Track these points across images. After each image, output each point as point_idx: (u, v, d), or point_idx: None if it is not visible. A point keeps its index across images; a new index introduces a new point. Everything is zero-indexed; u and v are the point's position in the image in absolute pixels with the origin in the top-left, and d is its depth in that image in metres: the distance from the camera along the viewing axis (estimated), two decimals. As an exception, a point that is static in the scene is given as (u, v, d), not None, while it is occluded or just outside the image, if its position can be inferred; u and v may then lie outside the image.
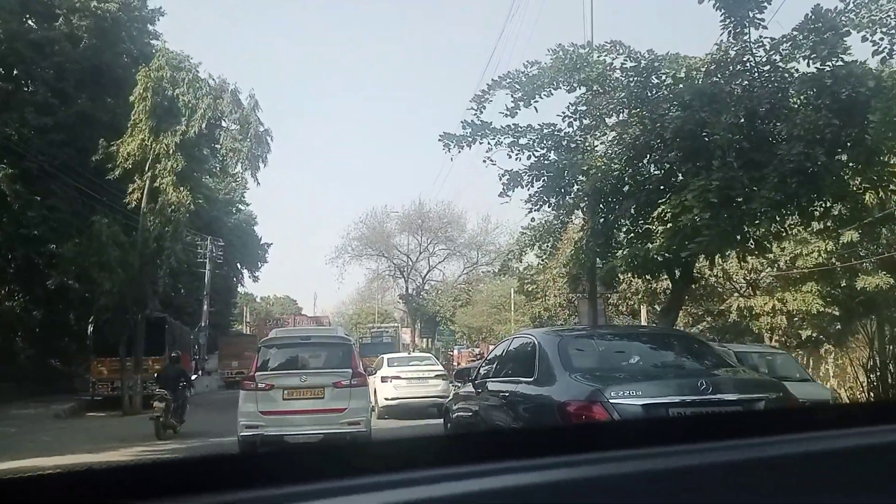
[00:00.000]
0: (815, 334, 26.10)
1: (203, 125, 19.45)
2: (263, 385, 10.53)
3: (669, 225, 10.81)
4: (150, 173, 19.56)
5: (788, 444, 1.13)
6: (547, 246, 14.28)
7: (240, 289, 62.04)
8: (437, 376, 17.46)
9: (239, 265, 59.48)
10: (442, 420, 10.09)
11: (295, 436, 10.15)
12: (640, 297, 26.06)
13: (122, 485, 0.86)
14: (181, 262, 28.82)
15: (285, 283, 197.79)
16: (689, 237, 9.25)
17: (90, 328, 21.91)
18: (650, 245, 11.15)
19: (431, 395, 16.34)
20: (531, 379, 6.37)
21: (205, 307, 40.71)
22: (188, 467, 0.92)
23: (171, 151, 19.34)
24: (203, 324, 40.54)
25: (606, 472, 0.97)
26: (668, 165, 10.66)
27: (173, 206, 19.19)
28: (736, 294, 29.70)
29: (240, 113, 20.06)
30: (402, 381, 16.85)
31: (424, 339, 47.82)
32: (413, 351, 50.48)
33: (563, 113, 11.77)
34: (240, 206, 60.72)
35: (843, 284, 26.05)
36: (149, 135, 19.50)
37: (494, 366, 7.83)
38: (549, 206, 12.82)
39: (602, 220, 12.74)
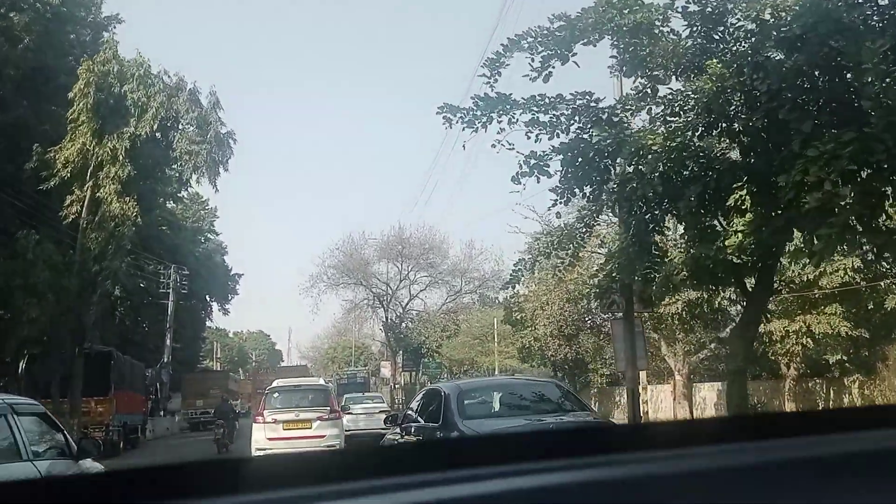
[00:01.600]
0: (843, 358, 23.68)
1: (155, 126, 16.64)
2: (270, 420, 14.67)
3: (748, 217, 8.22)
4: (91, 182, 16.64)
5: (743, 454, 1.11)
6: (566, 253, 11.63)
7: (209, 323, 58.54)
8: (381, 412, 20.84)
9: (208, 297, 56.08)
10: None
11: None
12: (680, 317, 23.15)
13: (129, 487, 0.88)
14: (126, 288, 25.91)
15: (257, 316, 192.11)
16: (803, 224, 6.63)
17: (22, 364, 18.84)
18: (723, 243, 8.56)
19: (376, 427, 18.90)
20: (438, 424, 7.91)
21: (167, 342, 37.38)
22: (171, 473, 0.93)
23: (117, 156, 16.43)
24: (165, 360, 37.16)
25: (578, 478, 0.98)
26: (749, 139, 8.09)
27: (117, 220, 16.23)
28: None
29: (198, 112, 17.30)
30: (358, 417, 22.27)
31: (406, 373, 44.90)
32: (395, 386, 48.18)
33: (612, 69, 9.18)
34: (209, 234, 57.55)
35: (871, 306, 23.77)
36: (91, 138, 16.64)
37: (415, 412, 9.34)
38: (582, 197, 10.17)
39: (647, 216, 10.12)
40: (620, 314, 11.33)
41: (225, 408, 21.35)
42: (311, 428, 14.72)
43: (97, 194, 16.49)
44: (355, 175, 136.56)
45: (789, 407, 25.09)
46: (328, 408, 15.30)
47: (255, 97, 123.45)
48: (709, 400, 34.06)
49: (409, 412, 9.72)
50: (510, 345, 51.54)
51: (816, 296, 23.00)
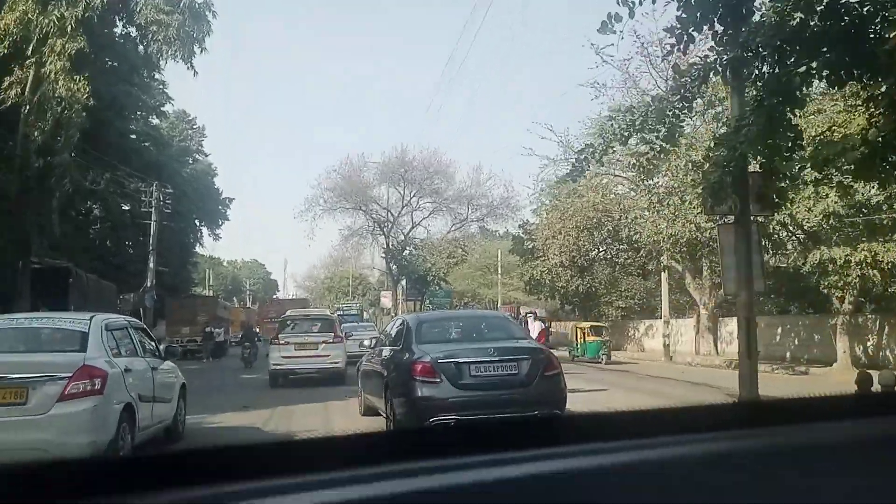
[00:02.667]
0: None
1: (113, -10, 13.33)
2: (284, 342, 17.36)
3: None
4: (34, 59, 13.38)
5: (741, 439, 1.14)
6: (656, 136, 8.60)
7: (199, 249, 55.65)
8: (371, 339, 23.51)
9: (197, 221, 53.05)
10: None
11: (300, 370, 17.16)
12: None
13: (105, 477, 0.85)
14: (106, 206, 23.15)
15: (250, 243, 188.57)
16: None
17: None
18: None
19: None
20: (399, 347, 9.70)
21: (150, 265, 34.47)
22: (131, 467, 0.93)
23: (65, 27, 13.12)
24: (148, 284, 34.33)
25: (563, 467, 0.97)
26: None
27: (63, 103, 13.02)
28: (797, 244, 24.53)
29: (167, -27, 13.94)
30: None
31: (411, 303, 42.36)
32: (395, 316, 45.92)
33: None
34: (197, 155, 54.07)
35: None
36: (34, 4, 13.28)
37: (386, 336, 11.30)
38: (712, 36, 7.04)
39: (785, 77, 7.11)
40: (731, 216, 8.34)
41: (250, 333, 26.44)
42: (318, 349, 17.34)
43: (41, 72, 13.24)
44: (357, 96, 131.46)
45: (840, 342, 22.51)
46: (332, 333, 17.91)
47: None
48: (736, 335, 31.51)
49: (382, 337, 11.60)
50: (516, 277, 48.85)
51: (884, 221, 20.17)
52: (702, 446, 1.08)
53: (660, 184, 25.52)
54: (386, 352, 10.22)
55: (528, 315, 15.82)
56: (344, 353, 17.79)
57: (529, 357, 8.95)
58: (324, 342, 17.50)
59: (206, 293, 76.01)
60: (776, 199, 8.14)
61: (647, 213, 27.50)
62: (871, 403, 1.37)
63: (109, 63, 26.27)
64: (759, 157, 8.03)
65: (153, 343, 9.51)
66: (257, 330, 28.87)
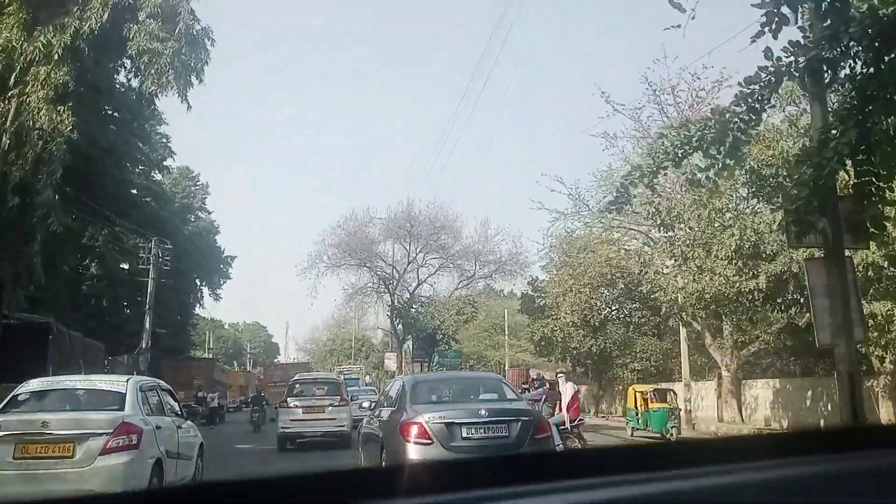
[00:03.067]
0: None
1: (105, 16, 12.30)
2: (292, 405, 18.06)
3: None
4: (16, 90, 12.31)
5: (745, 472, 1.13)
6: (718, 149, 7.33)
7: (199, 310, 54.22)
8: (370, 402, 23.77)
9: (198, 281, 51.79)
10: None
11: (308, 433, 17.77)
12: None
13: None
14: (104, 263, 22.07)
15: (253, 307, 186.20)
16: None
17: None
18: None
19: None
20: (395, 407, 9.73)
21: (146, 325, 33.02)
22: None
23: (52, 54, 12.10)
24: (143, 345, 32.81)
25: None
26: None
27: (45, 135, 11.88)
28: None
29: (163, 0, 12.96)
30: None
31: (417, 364, 40.63)
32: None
33: None
34: (199, 213, 53.21)
35: None
36: (18, 31, 12.30)
37: (384, 397, 11.48)
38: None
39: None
40: (821, 251, 6.91)
41: (258, 397, 27.31)
42: (325, 412, 17.69)
43: (22, 103, 12.14)
44: (362, 150, 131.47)
45: (884, 408, 20.83)
46: (339, 397, 18.34)
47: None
48: (762, 399, 29.69)
49: (383, 398, 11.65)
50: (524, 337, 47.12)
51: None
52: (699, 481, 1.07)
53: (679, 236, 24.24)
54: (383, 413, 10.29)
55: (559, 375, 14.33)
56: (350, 416, 18.22)
57: (519, 419, 9.08)
58: (330, 405, 18.02)
59: (206, 356, 74.18)
60: (871, 230, 6.75)
61: (667, 267, 26.22)
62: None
63: (108, 111, 25.46)
64: (850, 178, 6.73)
65: (177, 404, 10.18)
66: (263, 394, 29.14)
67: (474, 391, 10.51)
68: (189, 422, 10.31)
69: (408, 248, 41.27)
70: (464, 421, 8.73)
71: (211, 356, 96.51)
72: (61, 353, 15.39)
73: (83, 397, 8.58)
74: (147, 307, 33.52)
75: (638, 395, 23.94)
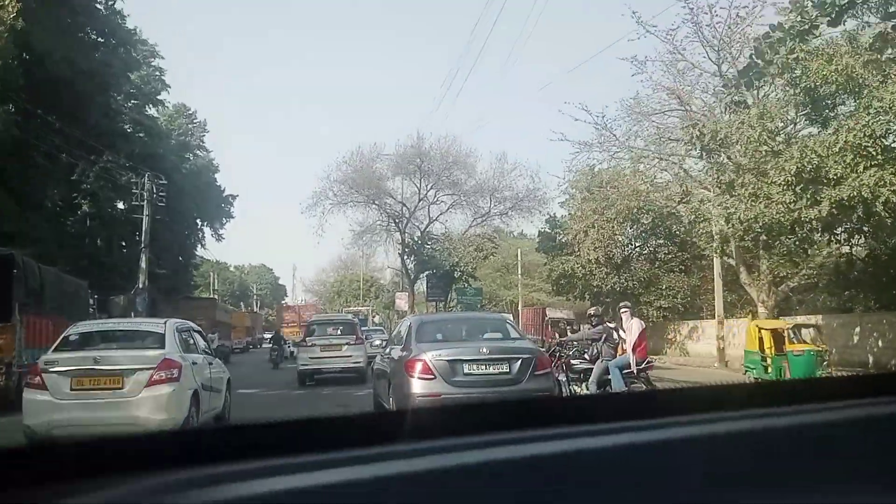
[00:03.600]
0: None
1: None
2: (311, 344, 19.21)
3: None
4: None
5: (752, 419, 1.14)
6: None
7: (201, 251, 52.24)
8: (381, 341, 23.20)
9: (199, 221, 49.69)
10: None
11: (326, 369, 18.80)
12: None
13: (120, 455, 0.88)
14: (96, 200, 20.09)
15: (256, 245, 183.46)
16: None
17: None
18: None
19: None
20: (402, 346, 10.18)
21: (142, 264, 31.03)
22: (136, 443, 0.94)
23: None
24: (140, 285, 30.88)
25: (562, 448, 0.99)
26: None
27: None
28: None
29: None
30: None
31: (432, 304, 38.68)
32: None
33: None
34: (198, 151, 50.69)
35: None
36: None
37: (394, 336, 12.31)
38: None
39: None
40: None
41: (277, 336, 28.44)
42: (341, 350, 18.80)
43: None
44: (368, 82, 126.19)
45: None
46: (354, 336, 19.44)
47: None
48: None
49: (393, 338, 12.44)
50: (538, 277, 45.12)
51: None
52: (700, 427, 1.08)
53: (725, 162, 21.80)
54: (392, 352, 10.69)
55: (623, 311, 12.09)
56: (365, 354, 19.37)
57: (519, 357, 9.35)
58: (347, 344, 19.11)
59: (207, 296, 72.73)
60: None
61: (707, 197, 23.94)
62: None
63: (90, 34, 23.01)
64: None
65: (206, 343, 11.06)
66: (213, 337, 28.53)
67: (478, 331, 10.75)
68: (218, 360, 10.98)
69: (418, 184, 38.84)
70: (466, 358, 9.13)
71: (214, 297, 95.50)
72: (29, 290, 13.22)
73: (127, 337, 9.60)
74: (142, 245, 31.48)
75: (765, 333, 17.42)
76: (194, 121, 51.26)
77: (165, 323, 9.65)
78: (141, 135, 37.01)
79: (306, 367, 18.85)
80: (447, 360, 9.07)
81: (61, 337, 9.44)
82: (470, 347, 9.51)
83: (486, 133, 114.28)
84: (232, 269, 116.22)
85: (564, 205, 38.10)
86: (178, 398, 8.61)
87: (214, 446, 0.91)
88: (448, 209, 39.30)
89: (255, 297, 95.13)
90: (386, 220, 39.30)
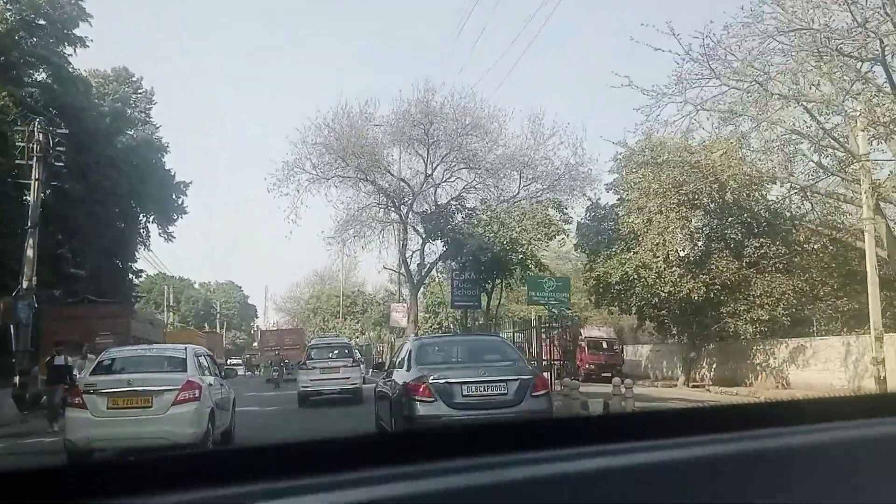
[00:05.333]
0: None
1: None
2: (311, 367, 20.06)
3: None
4: None
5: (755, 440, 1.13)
6: None
7: (145, 252, 41.86)
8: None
9: (140, 212, 39.52)
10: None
11: (325, 390, 19.76)
12: None
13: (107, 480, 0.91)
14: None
15: (223, 261, 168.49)
16: None
17: None
18: None
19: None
20: (402, 369, 10.43)
21: (28, 252, 20.90)
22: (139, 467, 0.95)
23: None
24: (24, 285, 20.75)
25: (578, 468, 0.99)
26: None
27: None
28: None
29: None
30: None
31: (458, 314, 28.34)
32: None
33: None
34: (141, 124, 40.50)
35: None
36: None
37: (396, 360, 11.80)
38: None
39: None
40: None
41: (278, 361, 31.52)
42: (339, 372, 19.95)
43: None
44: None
45: None
46: (351, 358, 20.90)
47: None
48: None
49: (394, 360, 12.22)
50: (585, 281, 35.69)
51: None
52: (701, 449, 1.06)
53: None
54: (394, 374, 10.83)
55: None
56: (361, 375, 21.02)
57: (517, 379, 9.46)
58: (343, 366, 20.21)
59: (169, 320, 62.09)
60: None
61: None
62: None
63: None
64: None
65: (216, 367, 12.30)
66: (281, 356, 32.01)
67: (476, 353, 10.91)
68: (224, 381, 12.14)
69: (426, 155, 29.06)
70: (464, 380, 9.30)
71: (183, 321, 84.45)
72: None
73: (153, 361, 10.80)
74: (28, 226, 21.30)
75: None
76: (139, 90, 41.26)
77: (186, 349, 11.13)
78: (49, 79, 26.93)
79: (307, 389, 19.87)
80: (446, 383, 9.25)
81: (96, 362, 10.93)
82: (469, 370, 9.75)
83: (514, 88, 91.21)
84: (196, 286, 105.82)
85: (613, 187, 28.63)
86: (199, 415, 9.69)
87: (225, 468, 0.93)
88: (464, 189, 29.46)
89: (218, 314, 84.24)
90: (384, 201, 29.32)
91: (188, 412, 9.53)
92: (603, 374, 28.98)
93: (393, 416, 10.10)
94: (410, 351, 10.63)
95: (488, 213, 22.86)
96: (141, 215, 40.12)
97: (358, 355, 21.08)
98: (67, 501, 0.85)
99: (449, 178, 28.98)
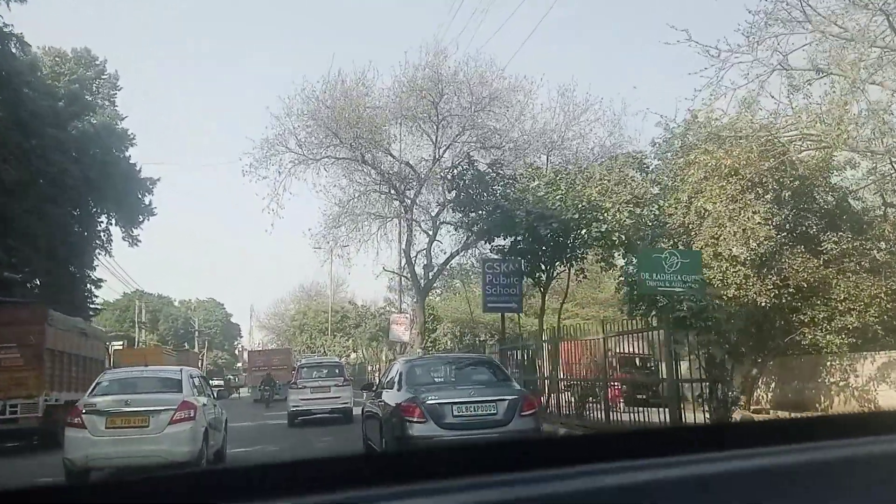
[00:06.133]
0: None
1: None
2: (301, 386, 19.99)
3: None
4: None
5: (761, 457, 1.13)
6: None
7: (105, 258, 36.60)
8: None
9: (98, 210, 34.41)
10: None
11: (316, 410, 19.80)
12: None
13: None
14: None
15: (204, 275, 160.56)
16: None
17: None
18: None
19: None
20: (393, 389, 10.45)
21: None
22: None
23: None
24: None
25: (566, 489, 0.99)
26: None
27: None
28: None
29: None
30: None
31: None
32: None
33: None
34: (102, 107, 35.40)
35: None
36: None
37: (386, 380, 11.67)
38: None
39: None
40: None
41: (269, 381, 31.18)
42: (330, 392, 19.87)
43: None
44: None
45: None
46: (342, 378, 20.69)
47: None
48: None
49: (384, 381, 11.86)
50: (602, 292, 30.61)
51: None
52: (696, 468, 1.06)
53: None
54: (384, 395, 10.84)
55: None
56: (352, 395, 20.38)
57: (506, 399, 9.60)
58: (335, 385, 20.12)
59: (141, 338, 56.63)
60: None
61: None
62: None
63: None
64: None
65: (209, 387, 12.90)
66: (272, 376, 32.15)
67: (466, 373, 11.08)
68: (217, 401, 12.68)
69: (434, 136, 24.22)
70: (455, 401, 9.38)
71: (157, 340, 78.87)
72: None
73: (149, 382, 10.96)
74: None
75: None
76: (104, 74, 36.19)
77: (181, 370, 11.47)
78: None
79: (297, 408, 19.75)
80: (437, 403, 9.31)
81: (95, 383, 10.91)
82: (459, 390, 9.86)
83: (540, 53, 77.00)
84: (176, 304, 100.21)
85: (663, 170, 23.88)
86: (194, 434, 9.95)
87: (215, 488, 0.95)
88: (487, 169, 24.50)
89: (195, 332, 78.84)
90: (384, 188, 24.37)
91: (184, 431, 9.79)
92: (638, 398, 24.39)
93: (384, 437, 10.14)
94: (400, 371, 10.79)
95: (550, 172, 17.61)
96: (102, 215, 35.02)
97: (348, 374, 21.04)
98: None
99: (462, 161, 24.05)
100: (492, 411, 9.36)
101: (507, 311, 17.71)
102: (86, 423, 9.60)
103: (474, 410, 9.34)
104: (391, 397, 10.20)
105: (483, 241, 18.57)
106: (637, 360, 30.35)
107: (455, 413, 9.22)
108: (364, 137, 23.09)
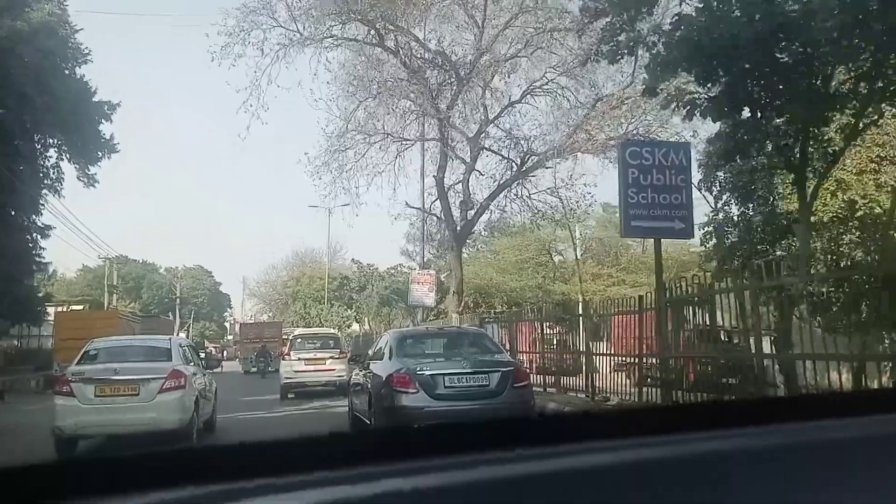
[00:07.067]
0: None
1: None
2: (295, 358, 19.33)
3: None
4: None
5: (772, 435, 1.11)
6: None
7: (58, 200, 29.82)
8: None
9: (45, 140, 27.68)
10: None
11: (310, 383, 19.09)
12: None
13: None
14: None
15: (193, 244, 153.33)
16: None
17: None
18: None
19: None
20: (381, 361, 10.23)
21: None
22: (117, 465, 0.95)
23: None
24: None
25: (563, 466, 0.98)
26: None
27: None
28: None
29: None
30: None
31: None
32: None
33: None
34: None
35: None
36: None
37: (374, 352, 11.52)
38: None
39: None
40: None
41: (264, 352, 32.63)
42: (325, 364, 19.26)
43: None
44: None
45: None
46: (338, 350, 20.00)
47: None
48: None
49: (371, 352, 11.89)
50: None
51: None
52: (687, 447, 1.06)
53: None
54: (372, 366, 10.65)
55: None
56: (347, 367, 18.37)
57: (499, 370, 9.47)
58: (331, 357, 19.39)
59: (111, 304, 50.10)
60: None
61: None
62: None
63: None
64: None
65: (200, 357, 13.18)
66: (266, 348, 33.68)
67: (457, 345, 10.88)
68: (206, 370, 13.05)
69: (480, 17, 17.52)
70: (447, 371, 9.24)
71: (131, 309, 72.28)
72: None
73: (138, 351, 10.99)
74: None
75: None
76: (63, 5, 28.96)
77: (170, 339, 12.00)
78: None
79: (290, 380, 18.97)
80: (428, 374, 9.19)
81: (82, 351, 10.65)
82: (450, 361, 9.74)
83: None
84: (162, 271, 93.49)
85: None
86: (184, 403, 9.83)
87: (208, 466, 0.93)
88: (530, 89, 18.14)
89: (177, 299, 72.53)
90: (413, 86, 17.66)
91: (174, 400, 9.72)
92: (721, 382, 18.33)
93: (373, 408, 9.89)
94: (390, 342, 10.63)
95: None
96: (49, 145, 28.29)
97: (345, 346, 21.19)
98: (46, 501, 0.85)
99: (514, 56, 17.66)
100: (484, 382, 9.24)
101: (665, 235, 10.85)
102: (74, 391, 9.54)
103: (466, 381, 9.23)
104: (381, 368, 10.05)
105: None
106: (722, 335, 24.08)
107: (447, 384, 9.13)
108: (379, 9, 16.34)
